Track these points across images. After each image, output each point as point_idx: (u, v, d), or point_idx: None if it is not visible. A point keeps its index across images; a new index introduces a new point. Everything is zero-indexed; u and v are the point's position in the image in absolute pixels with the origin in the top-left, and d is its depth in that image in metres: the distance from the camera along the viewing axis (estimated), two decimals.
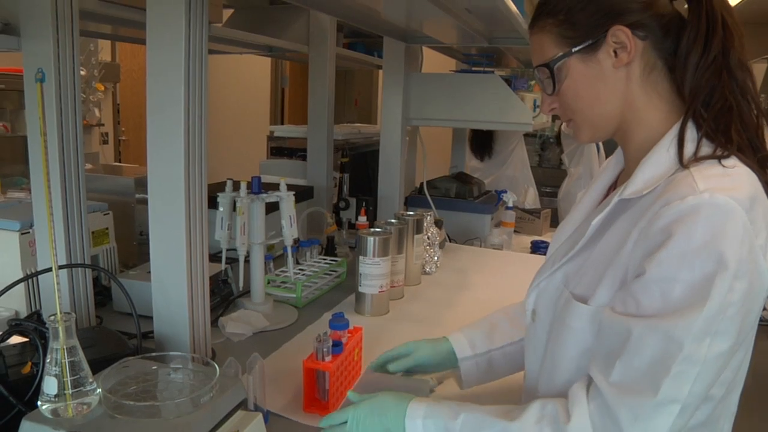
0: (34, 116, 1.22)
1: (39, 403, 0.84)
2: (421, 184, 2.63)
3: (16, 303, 1.45)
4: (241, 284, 1.57)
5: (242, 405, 0.95)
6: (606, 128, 0.95)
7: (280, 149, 2.91)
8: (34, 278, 1.38)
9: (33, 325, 1.09)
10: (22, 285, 1.35)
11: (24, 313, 1.46)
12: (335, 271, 1.98)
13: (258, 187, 1.55)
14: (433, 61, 2.86)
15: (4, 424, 0.96)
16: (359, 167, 2.76)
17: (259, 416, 0.96)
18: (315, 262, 2.00)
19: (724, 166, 0.81)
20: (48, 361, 0.84)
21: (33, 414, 0.84)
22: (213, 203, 1.40)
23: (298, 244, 1.92)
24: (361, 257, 1.68)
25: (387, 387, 1.05)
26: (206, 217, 1.24)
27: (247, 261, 1.54)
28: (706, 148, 0.83)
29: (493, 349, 1.22)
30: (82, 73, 1.26)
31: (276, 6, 2.64)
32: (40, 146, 1.19)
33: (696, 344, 0.74)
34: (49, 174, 1.23)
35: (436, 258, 2.13)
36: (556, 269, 0.98)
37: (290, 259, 1.62)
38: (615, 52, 0.88)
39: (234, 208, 1.50)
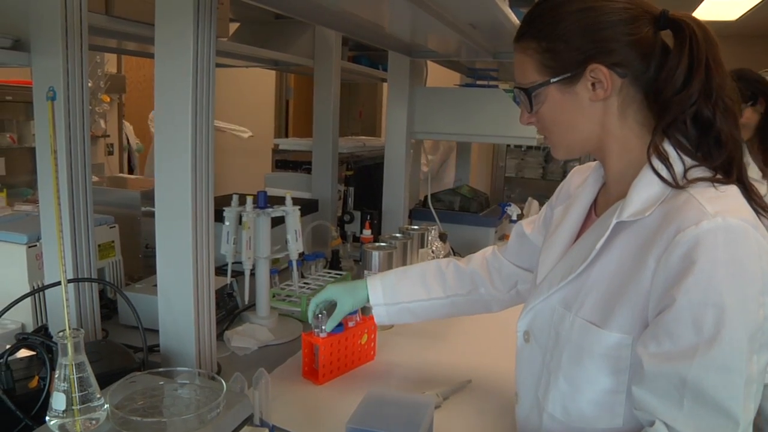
0: (44, 132, 1.24)
1: (47, 418, 0.84)
2: (426, 197, 2.64)
3: (22, 316, 1.45)
4: (246, 298, 1.57)
5: (248, 420, 0.95)
6: (581, 150, 0.99)
7: (284, 162, 2.92)
8: (41, 292, 1.38)
9: (40, 339, 1.09)
10: (28, 298, 1.35)
11: (30, 325, 1.46)
12: None
13: (264, 201, 1.55)
14: (438, 75, 2.88)
15: None
16: (364, 180, 2.76)
17: None
18: (320, 275, 2.00)
19: (716, 188, 0.84)
20: (57, 376, 0.84)
21: (41, 429, 0.84)
22: (219, 217, 1.41)
23: (303, 257, 1.93)
24: (366, 271, 1.69)
25: (391, 402, 1.05)
26: (212, 231, 1.24)
27: (252, 275, 1.54)
28: (697, 171, 0.86)
29: (404, 302, 1.34)
30: (89, 85, 1.27)
31: (281, 20, 2.66)
32: (49, 162, 1.20)
33: (748, 363, 0.77)
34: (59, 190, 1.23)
35: None
36: (553, 293, 0.98)
37: (295, 273, 1.62)
38: (593, 85, 0.90)
39: (240, 222, 1.51)
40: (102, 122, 4.61)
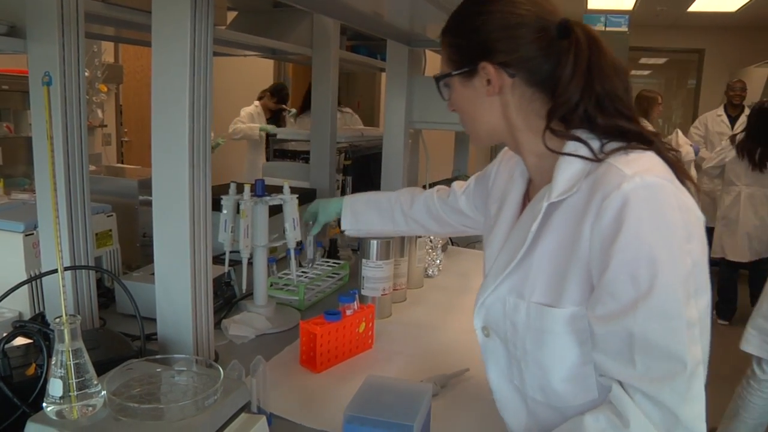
0: (40, 119, 1.23)
1: (44, 404, 0.84)
2: (423, 187, 2.63)
3: (19, 304, 1.45)
4: (243, 287, 1.57)
5: (246, 408, 0.95)
6: (490, 140, 1.07)
7: (282, 151, 2.91)
8: (38, 279, 1.38)
9: (37, 326, 1.09)
10: (25, 286, 1.35)
11: (27, 314, 1.46)
12: (338, 274, 1.98)
13: (261, 190, 1.55)
14: (437, 65, 2.86)
15: (9, 426, 0.96)
16: (362, 170, 2.76)
17: (263, 419, 0.96)
18: (318, 264, 2.00)
19: (632, 152, 0.89)
20: (53, 363, 0.84)
21: (38, 416, 0.84)
22: (216, 206, 1.40)
23: (300, 246, 1.93)
24: (363, 260, 1.69)
25: (389, 389, 1.05)
26: (210, 220, 1.24)
27: (250, 263, 1.54)
28: (613, 144, 0.91)
29: (371, 229, 1.60)
30: (86, 74, 1.26)
31: (279, 9, 2.64)
32: (45, 149, 1.19)
33: (687, 308, 0.82)
34: (55, 176, 1.23)
35: (438, 261, 2.13)
36: (500, 283, 1.00)
37: (293, 262, 1.62)
38: (488, 82, 0.98)
39: (237, 211, 1.51)
40: (99, 112, 4.60)
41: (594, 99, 0.91)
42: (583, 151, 0.91)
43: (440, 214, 1.48)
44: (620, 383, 0.85)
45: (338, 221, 1.64)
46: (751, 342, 2.64)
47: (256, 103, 5.47)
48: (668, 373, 0.81)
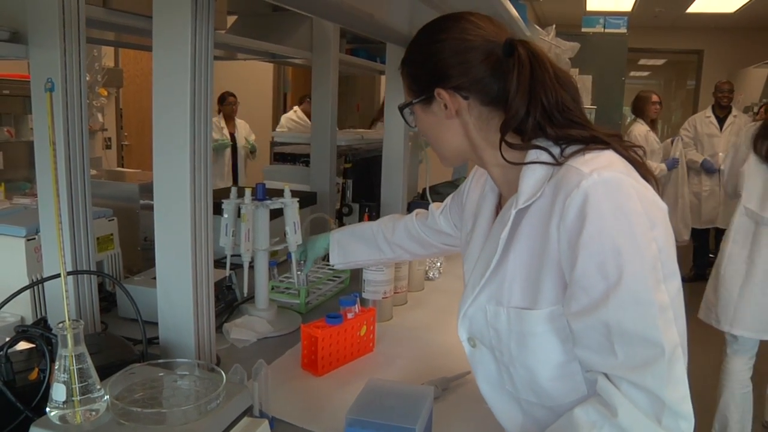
0: (42, 124, 1.23)
1: (47, 409, 0.85)
2: (424, 189, 2.64)
3: (21, 309, 1.45)
4: (245, 290, 1.57)
5: (248, 412, 0.96)
6: (458, 159, 1.10)
7: (283, 155, 2.91)
8: (40, 284, 1.38)
9: (39, 331, 1.09)
10: (27, 291, 1.35)
11: (29, 318, 1.46)
12: (339, 277, 1.98)
13: (262, 193, 1.55)
14: None
15: (12, 430, 0.97)
16: (362, 173, 2.76)
17: (265, 423, 0.97)
18: (318, 268, 2.01)
19: (588, 153, 0.92)
20: (57, 367, 0.85)
21: (42, 420, 0.85)
22: (218, 210, 1.41)
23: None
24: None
25: (391, 392, 1.06)
26: (211, 224, 1.25)
27: (251, 267, 1.55)
28: (573, 147, 0.94)
29: (359, 260, 1.62)
30: (86, 78, 1.27)
31: (279, 13, 2.65)
32: (47, 154, 1.20)
33: (658, 293, 0.84)
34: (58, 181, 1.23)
35: (438, 264, 2.14)
36: (478, 293, 1.02)
37: (294, 265, 1.62)
38: (445, 106, 1.02)
39: (238, 215, 1.51)
40: (99, 116, 4.60)
41: (541, 110, 0.95)
42: (544, 157, 0.94)
43: (422, 236, 1.51)
44: (606, 375, 0.86)
45: (327, 256, 1.67)
46: (700, 309, 2.90)
47: (296, 108, 5.39)
48: (648, 358, 0.83)
